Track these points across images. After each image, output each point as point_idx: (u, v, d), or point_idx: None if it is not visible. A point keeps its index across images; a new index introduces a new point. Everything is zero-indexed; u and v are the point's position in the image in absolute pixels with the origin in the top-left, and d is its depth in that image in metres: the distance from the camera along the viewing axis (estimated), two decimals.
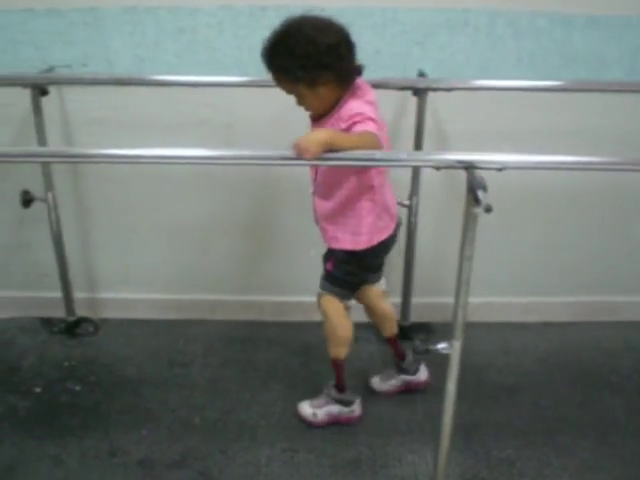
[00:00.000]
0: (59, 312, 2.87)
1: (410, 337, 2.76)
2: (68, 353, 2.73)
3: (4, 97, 2.51)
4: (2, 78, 2.41)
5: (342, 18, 2.38)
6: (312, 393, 2.46)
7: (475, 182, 1.59)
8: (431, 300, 2.86)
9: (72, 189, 2.74)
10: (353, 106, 1.95)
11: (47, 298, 2.92)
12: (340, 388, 2.39)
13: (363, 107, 1.94)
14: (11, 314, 2.95)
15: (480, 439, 2.31)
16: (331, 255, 2.22)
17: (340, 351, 2.33)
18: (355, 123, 1.90)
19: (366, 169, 2.00)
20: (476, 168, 1.64)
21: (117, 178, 2.69)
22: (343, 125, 1.92)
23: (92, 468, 2.20)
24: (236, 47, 2.50)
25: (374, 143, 1.82)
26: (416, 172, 2.50)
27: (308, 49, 1.90)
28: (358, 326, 2.79)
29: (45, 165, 2.54)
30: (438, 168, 1.73)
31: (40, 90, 2.44)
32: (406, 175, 2.54)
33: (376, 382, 2.54)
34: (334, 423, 2.37)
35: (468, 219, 1.65)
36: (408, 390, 2.51)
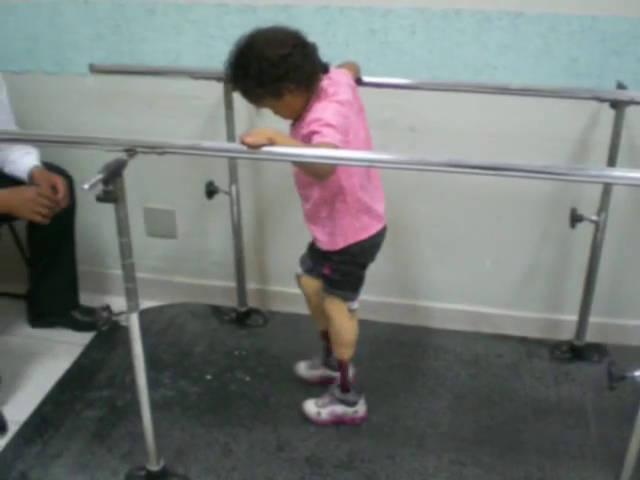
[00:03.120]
0: (229, 301, 2.93)
1: (584, 358, 2.67)
2: (238, 343, 2.79)
3: (197, 90, 2.58)
4: (198, 71, 2.47)
5: (539, 24, 2.38)
6: (481, 405, 2.44)
7: None
8: (607, 321, 2.75)
9: (252, 182, 2.79)
10: (315, 110, 1.94)
11: (218, 287, 3.01)
12: (344, 388, 2.38)
13: (325, 110, 1.91)
14: (182, 299, 3.05)
15: None
16: (325, 260, 2.20)
17: (345, 352, 2.33)
18: (313, 133, 1.86)
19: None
20: None
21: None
22: (305, 131, 1.91)
23: (260, 460, 2.24)
24: (427, 50, 2.47)
25: None
26: (608, 188, 2.40)
27: (261, 65, 1.90)
28: (530, 342, 2.79)
29: (232, 159, 2.59)
30: None
31: None
32: (593, 190, 2.44)
33: (301, 368, 2.58)
34: (338, 423, 2.38)
35: None
36: (326, 382, 2.49)
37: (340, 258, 2.17)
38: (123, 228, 1.80)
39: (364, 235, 2.15)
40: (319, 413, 2.38)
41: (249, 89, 1.97)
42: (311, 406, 2.40)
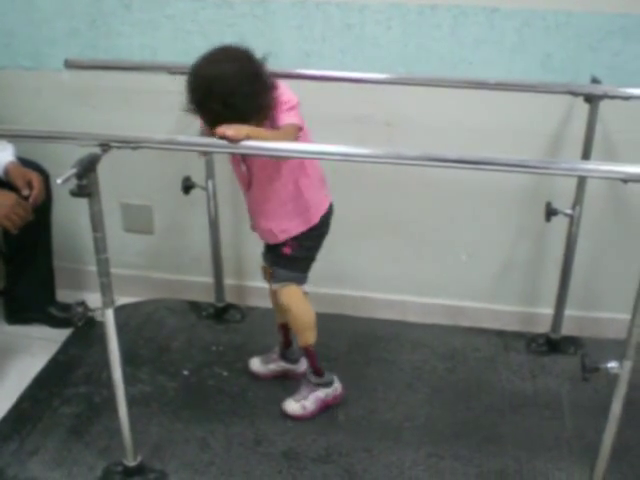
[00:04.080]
0: (207, 297, 2.93)
1: (560, 350, 2.70)
2: (216, 338, 2.79)
3: (173, 85, 2.53)
4: (174, 66, 2.44)
5: (514, 19, 2.40)
6: (458, 398, 2.46)
7: None
8: (582, 314, 2.78)
9: (230, 178, 2.76)
10: (280, 119, 1.98)
11: (196, 282, 3.00)
12: (318, 372, 2.41)
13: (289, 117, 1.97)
14: (159, 295, 3.04)
15: (630, 461, 2.22)
16: (284, 242, 2.23)
17: (309, 336, 2.36)
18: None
19: None
20: None
21: None
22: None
23: (238, 455, 2.24)
24: (403, 45, 2.48)
25: (291, 134, 1.93)
26: (582, 182, 2.42)
27: (246, 102, 1.89)
28: (507, 335, 2.82)
29: (208, 154, 2.59)
30: (626, 181, 1.65)
31: None
32: (568, 184, 2.45)
33: (256, 364, 2.58)
34: (325, 407, 2.41)
35: None
36: (284, 377, 2.55)
37: (303, 235, 2.21)
38: (97, 223, 1.80)
39: (326, 204, 2.23)
40: (304, 407, 2.38)
41: (231, 120, 1.87)
42: (292, 404, 2.39)
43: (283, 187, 2.13)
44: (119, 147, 1.79)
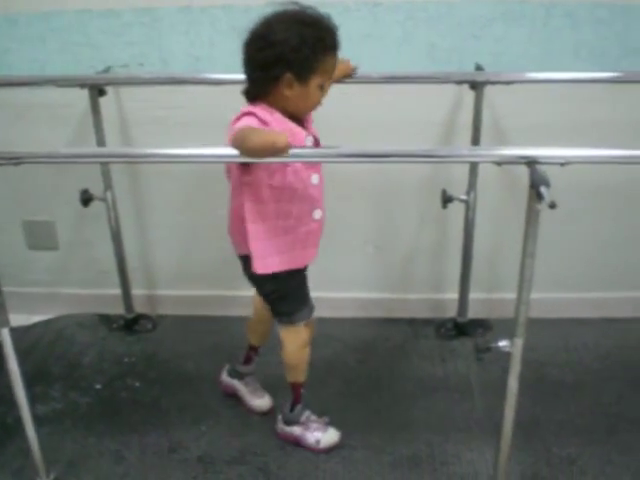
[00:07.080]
0: (118, 309, 2.91)
1: (468, 333, 2.75)
2: (127, 349, 2.77)
3: (63, 98, 2.54)
4: (61, 79, 2.44)
5: (397, 13, 2.44)
6: (370, 389, 2.50)
7: (537, 178, 1.56)
8: (488, 296, 2.84)
9: (130, 188, 2.77)
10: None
11: (106, 295, 2.96)
12: None
13: None
14: (70, 310, 3.00)
15: (540, 437, 2.28)
16: None
17: None
18: None
19: None
20: (538, 163, 1.62)
21: (175, 177, 2.71)
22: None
23: (152, 464, 2.23)
24: None
25: None
26: (474, 167, 2.48)
27: None
28: (418, 322, 2.87)
29: (104, 165, 2.57)
30: (500, 164, 1.70)
31: (98, 90, 2.46)
32: (463, 170, 2.52)
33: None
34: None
35: (530, 215, 1.63)
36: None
37: None
38: None
39: None
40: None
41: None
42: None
43: None
44: (0, 164, 1.76)
